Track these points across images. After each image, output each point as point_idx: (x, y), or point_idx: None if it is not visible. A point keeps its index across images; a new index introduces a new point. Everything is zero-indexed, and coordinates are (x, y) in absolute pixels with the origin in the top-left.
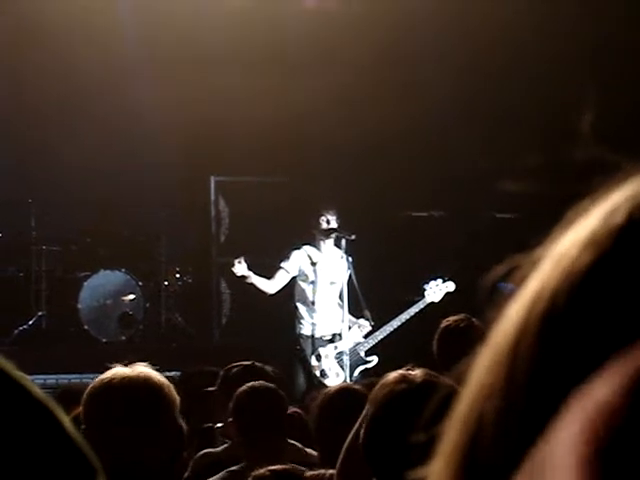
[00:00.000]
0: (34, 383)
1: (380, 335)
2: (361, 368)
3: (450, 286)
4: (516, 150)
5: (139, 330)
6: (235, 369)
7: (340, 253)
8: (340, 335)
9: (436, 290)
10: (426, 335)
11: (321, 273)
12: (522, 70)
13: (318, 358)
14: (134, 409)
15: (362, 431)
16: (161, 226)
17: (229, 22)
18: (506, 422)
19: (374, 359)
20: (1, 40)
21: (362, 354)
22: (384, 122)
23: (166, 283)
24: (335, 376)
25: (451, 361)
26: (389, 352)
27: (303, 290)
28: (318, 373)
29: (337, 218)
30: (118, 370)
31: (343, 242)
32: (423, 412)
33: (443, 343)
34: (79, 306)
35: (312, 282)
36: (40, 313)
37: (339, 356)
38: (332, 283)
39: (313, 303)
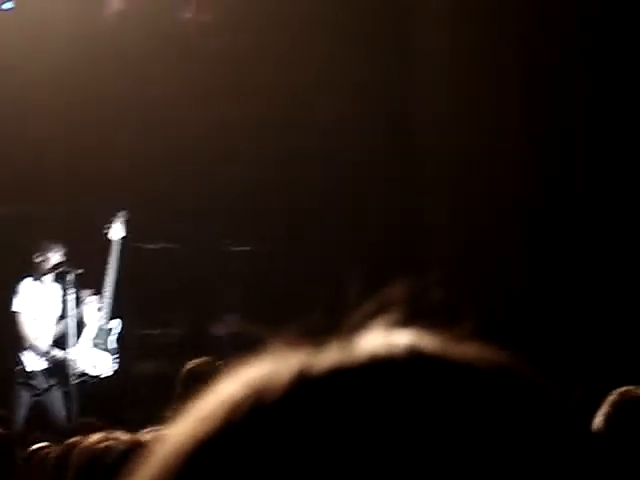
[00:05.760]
0: None
1: (107, 295)
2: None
3: None
4: None
5: None
6: None
7: (60, 287)
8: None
9: None
10: None
11: (44, 307)
12: None
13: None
14: None
15: None
16: None
17: None
18: None
19: (117, 322)
20: None
21: (106, 325)
22: None
23: None
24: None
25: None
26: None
27: (28, 324)
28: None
29: (63, 253)
30: None
31: (69, 276)
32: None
33: (186, 384)
34: None
35: (35, 317)
36: None
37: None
38: (50, 317)
39: (36, 338)
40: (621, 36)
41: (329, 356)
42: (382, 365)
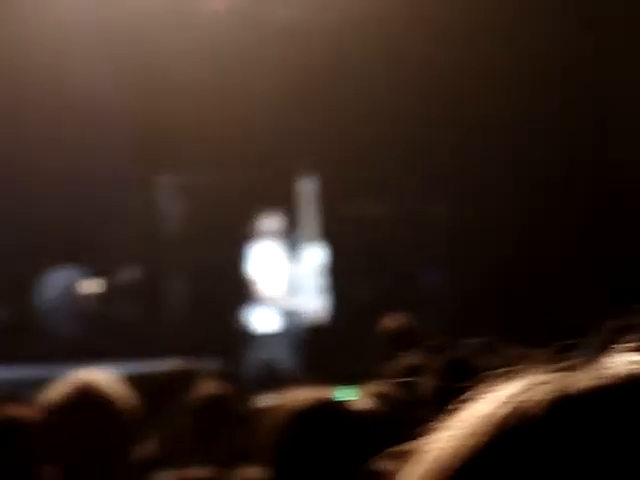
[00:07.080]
0: None
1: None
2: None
3: None
4: None
5: None
6: None
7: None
8: None
9: None
10: None
11: (272, 266)
12: None
13: None
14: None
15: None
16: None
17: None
18: None
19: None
20: None
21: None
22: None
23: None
24: None
25: None
26: None
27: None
28: None
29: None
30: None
31: (291, 238)
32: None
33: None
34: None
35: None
36: None
37: None
38: (278, 274)
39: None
40: None
41: (585, 376)
42: None
